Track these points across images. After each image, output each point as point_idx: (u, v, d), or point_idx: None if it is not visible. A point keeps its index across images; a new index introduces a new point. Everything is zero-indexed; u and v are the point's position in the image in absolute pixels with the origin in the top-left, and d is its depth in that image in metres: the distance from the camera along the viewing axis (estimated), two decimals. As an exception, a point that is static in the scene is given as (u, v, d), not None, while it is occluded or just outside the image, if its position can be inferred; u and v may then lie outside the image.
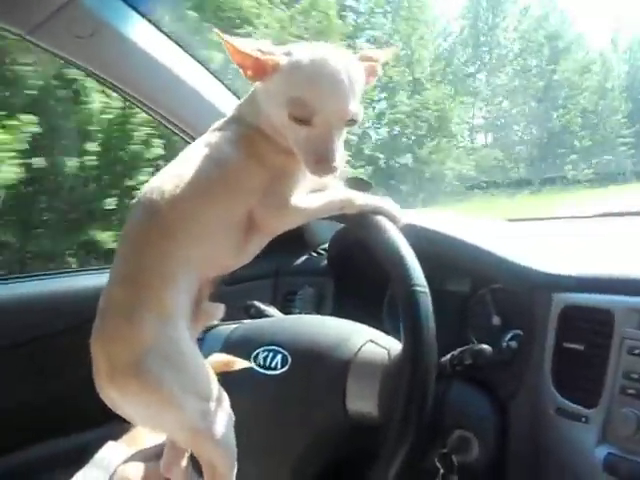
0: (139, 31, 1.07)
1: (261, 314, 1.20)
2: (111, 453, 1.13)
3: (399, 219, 0.87)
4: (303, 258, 1.56)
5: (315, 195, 0.83)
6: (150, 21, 1.08)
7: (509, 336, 1.13)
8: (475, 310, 1.22)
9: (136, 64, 1.11)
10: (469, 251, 1.10)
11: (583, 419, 0.90)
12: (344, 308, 1.39)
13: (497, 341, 1.14)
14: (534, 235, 1.31)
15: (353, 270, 1.36)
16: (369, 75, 0.80)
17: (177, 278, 0.76)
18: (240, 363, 0.90)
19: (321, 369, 0.86)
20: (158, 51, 1.11)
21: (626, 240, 1.21)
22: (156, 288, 0.75)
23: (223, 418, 0.76)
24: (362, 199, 0.85)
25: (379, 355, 0.84)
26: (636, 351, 0.86)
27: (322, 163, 0.73)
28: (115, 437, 1.13)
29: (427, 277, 1.27)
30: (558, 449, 0.93)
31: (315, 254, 1.55)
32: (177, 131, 1.23)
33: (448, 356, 0.92)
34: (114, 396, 0.74)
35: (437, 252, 1.18)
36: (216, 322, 1.12)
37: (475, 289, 1.22)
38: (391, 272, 0.81)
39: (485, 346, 0.90)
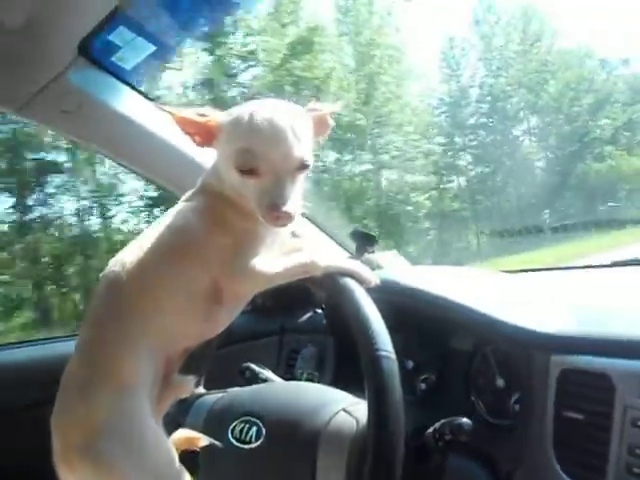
0: (126, 101, 1.11)
1: (256, 377, 1.17)
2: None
3: (368, 281, 0.84)
4: (307, 315, 1.53)
5: (279, 259, 0.81)
6: (137, 90, 1.11)
7: (514, 399, 1.05)
8: (480, 370, 1.14)
9: (125, 133, 1.13)
10: (462, 311, 1.04)
11: (587, 500, 0.81)
12: (344, 367, 1.35)
13: (502, 404, 1.07)
14: (530, 288, 1.24)
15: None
16: (320, 126, 0.80)
17: (137, 350, 0.75)
18: (204, 440, 0.87)
19: (293, 441, 0.82)
20: (147, 119, 1.14)
21: (629, 293, 1.12)
22: (114, 361, 0.73)
23: None
24: (327, 261, 0.82)
25: (348, 425, 0.80)
26: (640, 423, 0.78)
27: (274, 211, 0.72)
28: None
29: (430, 334, 1.23)
30: (561, 533, 0.84)
31: (320, 311, 1.52)
32: (171, 194, 1.24)
33: (431, 429, 0.86)
34: (69, 477, 0.72)
35: (432, 312, 1.13)
36: (204, 391, 1.10)
37: (478, 347, 1.15)
38: (356, 336, 0.76)
39: (465, 420, 0.84)
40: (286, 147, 0.72)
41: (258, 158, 0.72)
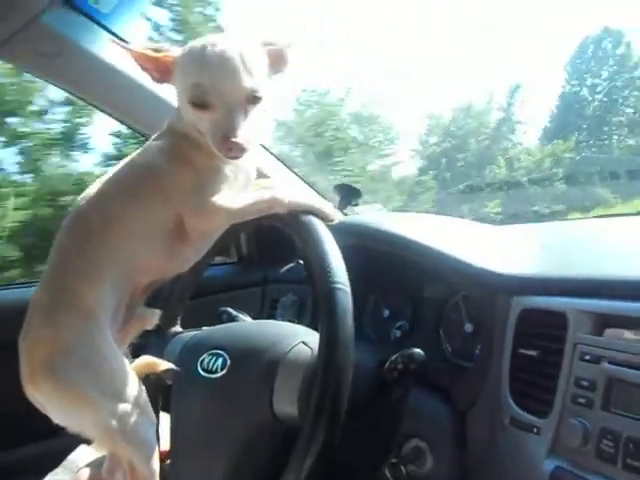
0: (103, 45, 1.11)
1: (232, 320, 1.21)
2: (80, 457, 1.16)
3: (331, 217, 0.86)
4: (290, 266, 1.56)
5: (242, 195, 0.83)
6: (115, 34, 1.12)
7: (481, 344, 1.08)
8: (450, 317, 1.17)
9: (103, 77, 1.14)
10: (432, 255, 1.06)
11: (535, 430, 0.84)
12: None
13: (468, 348, 1.10)
14: (517, 239, 1.25)
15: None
16: (276, 61, 0.80)
17: (101, 278, 0.78)
18: (164, 365, 0.91)
19: (254, 369, 0.85)
20: (124, 63, 1.14)
21: (612, 241, 1.14)
22: (77, 288, 0.76)
23: (140, 420, 0.76)
24: (290, 198, 0.84)
25: (304, 355, 0.82)
26: (587, 357, 0.80)
27: (227, 142, 0.73)
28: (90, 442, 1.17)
29: (405, 282, 1.26)
30: (510, 462, 0.88)
31: (302, 262, 1.55)
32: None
33: (387, 362, 0.89)
34: (34, 395, 0.76)
35: (406, 257, 1.15)
36: (180, 329, 1.14)
37: (450, 295, 1.17)
38: (312, 268, 0.78)
39: (416, 350, 0.87)
40: (235, 79, 0.73)
41: (209, 92, 0.73)
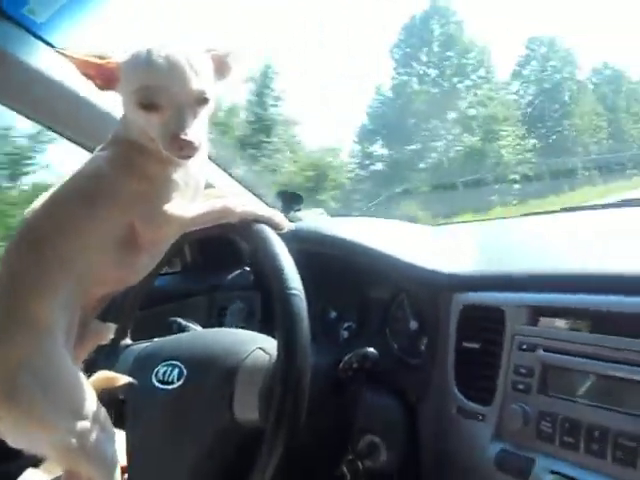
0: (40, 56, 1.07)
1: (183, 330, 1.20)
2: (29, 480, 1.12)
3: (282, 226, 0.88)
4: (236, 273, 1.57)
5: (193, 204, 0.84)
6: (51, 45, 1.09)
7: (425, 341, 1.13)
8: (396, 316, 1.22)
9: (43, 91, 1.09)
10: (376, 257, 1.11)
11: (480, 417, 0.91)
12: (270, 320, 1.40)
13: (414, 345, 1.15)
14: (454, 238, 1.33)
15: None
16: (220, 66, 0.81)
17: (55, 292, 0.76)
18: (122, 379, 0.90)
19: (211, 379, 0.87)
20: (63, 74, 1.11)
21: (541, 238, 1.22)
22: (28, 303, 0.75)
23: (101, 436, 0.76)
24: (242, 208, 0.85)
25: (262, 360, 0.85)
26: (524, 346, 0.87)
27: (176, 141, 0.74)
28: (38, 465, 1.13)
29: (351, 284, 1.30)
30: (458, 449, 0.94)
31: (248, 268, 1.56)
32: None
33: (342, 363, 0.93)
34: None
35: (350, 260, 1.19)
36: (130, 341, 1.12)
37: (395, 295, 1.22)
38: (268, 277, 0.81)
39: (370, 349, 0.91)
40: (183, 80, 0.74)
41: (157, 93, 0.74)
